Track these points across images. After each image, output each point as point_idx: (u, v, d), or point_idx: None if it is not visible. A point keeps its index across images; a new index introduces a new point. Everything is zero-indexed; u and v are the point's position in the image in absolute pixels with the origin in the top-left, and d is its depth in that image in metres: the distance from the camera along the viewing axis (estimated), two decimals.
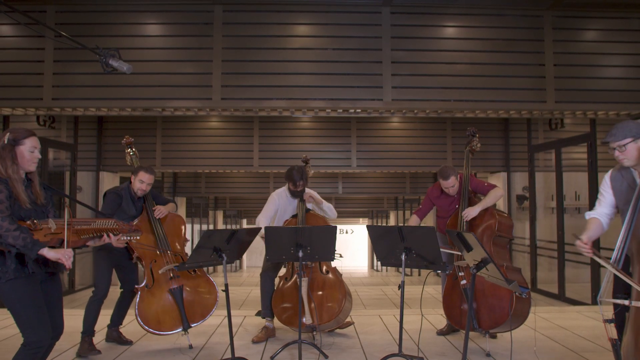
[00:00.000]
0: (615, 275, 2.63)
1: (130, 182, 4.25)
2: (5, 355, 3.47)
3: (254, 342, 4.42)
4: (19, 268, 2.59)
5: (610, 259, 2.63)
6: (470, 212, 4.26)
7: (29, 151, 2.70)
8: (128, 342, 4.35)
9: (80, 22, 6.08)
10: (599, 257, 2.72)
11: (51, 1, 5.96)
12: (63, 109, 6.17)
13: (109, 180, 9.74)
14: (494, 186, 4.50)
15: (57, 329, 2.79)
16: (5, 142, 2.63)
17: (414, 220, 4.65)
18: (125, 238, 2.98)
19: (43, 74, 5.96)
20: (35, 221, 2.59)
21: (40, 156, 2.80)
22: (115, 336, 4.36)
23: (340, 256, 4.36)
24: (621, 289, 2.67)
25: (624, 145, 2.83)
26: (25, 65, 6.02)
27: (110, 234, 2.83)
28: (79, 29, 5.98)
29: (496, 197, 4.38)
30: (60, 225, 2.62)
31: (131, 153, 4.70)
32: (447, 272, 4.42)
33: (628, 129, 2.84)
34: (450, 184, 4.46)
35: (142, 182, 4.19)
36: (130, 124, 9.24)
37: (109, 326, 4.39)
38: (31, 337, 2.62)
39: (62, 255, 2.57)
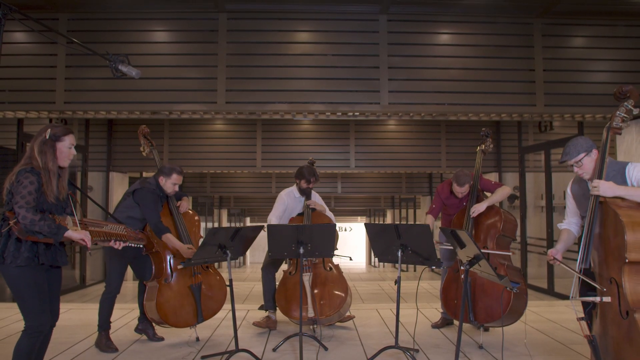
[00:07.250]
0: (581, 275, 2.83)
1: (157, 181, 4.21)
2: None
3: (254, 324, 4.65)
4: (30, 257, 2.67)
5: (576, 260, 2.85)
6: (478, 208, 4.38)
7: (67, 147, 2.84)
8: (160, 339, 4.35)
9: (91, 29, 6.20)
10: (565, 265, 2.95)
11: (63, 9, 6.09)
12: (75, 112, 6.28)
13: (119, 181, 9.95)
14: (500, 184, 4.64)
15: (54, 316, 2.89)
16: (47, 137, 2.76)
17: (429, 221, 4.74)
18: (132, 245, 3.06)
19: (56, 78, 6.07)
20: (55, 216, 2.68)
21: (75, 153, 2.94)
22: (150, 334, 4.35)
23: (350, 259, 4.54)
24: (587, 288, 2.87)
25: (580, 160, 2.99)
26: (38, 71, 6.13)
27: (117, 241, 2.93)
28: (89, 36, 6.11)
29: (503, 195, 4.52)
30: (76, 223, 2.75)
31: (149, 144, 4.69)
32: (442, 267, 4.63)
33: (580, 145, 3.01)
34: (463, 190, 4.57)
35: (174, 185, 4.21)
36: (139, 127, 9.51)
37: (140, 319, 4.39)
38: (33, 322, 2.72)
39: (85, 236, 2.70)
